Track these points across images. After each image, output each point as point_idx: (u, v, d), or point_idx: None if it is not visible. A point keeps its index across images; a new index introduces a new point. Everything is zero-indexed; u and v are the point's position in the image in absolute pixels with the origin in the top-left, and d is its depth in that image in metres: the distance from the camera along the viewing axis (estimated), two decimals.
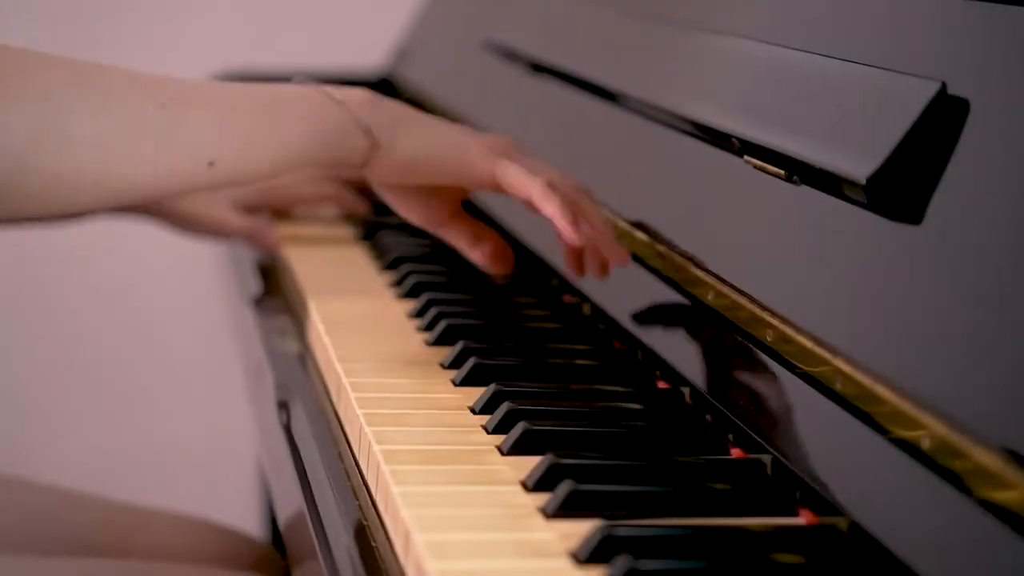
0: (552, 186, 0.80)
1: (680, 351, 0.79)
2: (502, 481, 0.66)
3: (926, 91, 0.63)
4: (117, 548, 1.01)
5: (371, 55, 1.67)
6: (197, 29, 1.99)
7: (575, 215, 0.79)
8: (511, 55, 1.24)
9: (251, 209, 1.14)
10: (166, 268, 1.96)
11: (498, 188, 0.83)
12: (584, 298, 0.93)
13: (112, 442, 2.07)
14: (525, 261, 1.04)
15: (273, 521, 1.70)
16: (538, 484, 0.65)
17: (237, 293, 1.11)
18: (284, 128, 0.79)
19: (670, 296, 0.82)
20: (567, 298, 0.97)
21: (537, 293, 0.99)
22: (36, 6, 1.97)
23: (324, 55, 1.76)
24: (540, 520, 0.62)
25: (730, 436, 0.72)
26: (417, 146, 0.83)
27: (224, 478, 2.02)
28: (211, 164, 0.77)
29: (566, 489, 0.62)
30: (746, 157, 0.76)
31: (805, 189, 0.71)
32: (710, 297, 0.78)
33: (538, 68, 1.16)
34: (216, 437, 2.05)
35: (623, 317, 0.85)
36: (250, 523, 1.60)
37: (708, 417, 0.75)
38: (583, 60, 1.05)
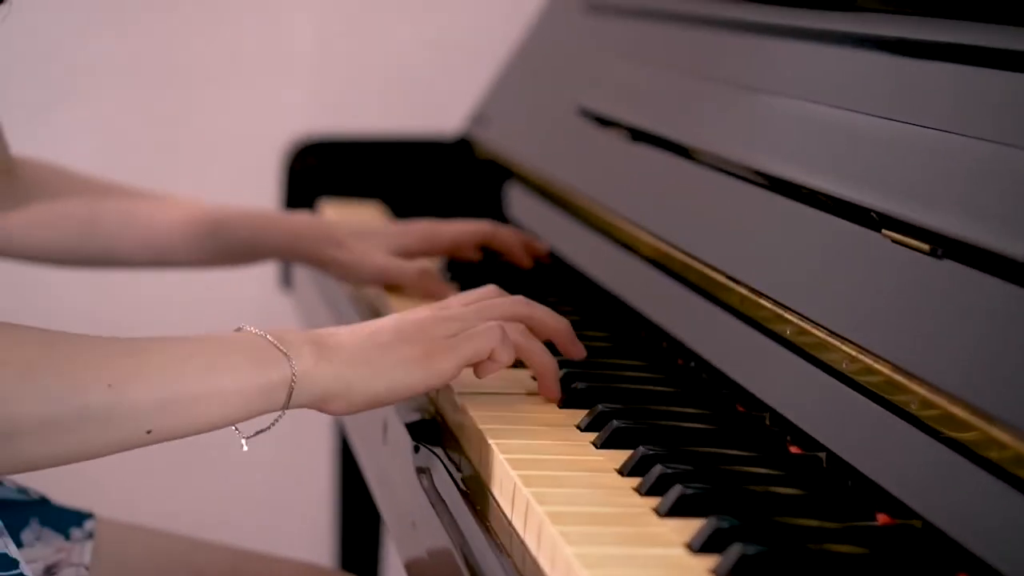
0: (506, 334, 0.85)
1: (814, 417, 0.82)
2: (668, 543, 0.68)
3: None
4: None
5: (449, 119, 1.71)
6: (281, 92, 2.03)
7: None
8: (603, 121, 1.27)
9: (410, 254, 1.19)
10: (243, 301, 1.99)
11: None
12: (702, 362, 0.96)
13: (189, 483, 2.10)
14: (631, 322, 1.07)
15: (343, 553, 1.75)
16: (704, 547, 0.68)
17: None
18: (225, 389, 0.78)
19: (799, 364, 0.85)
20: (680, 361, 1.00)
21: (650, 357, 1.01)
22: (123, 73, 2.01)
23: (404, 119, 1.80)
24: None
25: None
26: (374, 384, 0.82)
27: (294, 512, 2.06)
28: (149, 432, 0.77)
29: (737, 553, 0.65)
30: (884, 231, 0.79)
31: (948, 263, 0.74)
32: (844, 365, 0.80)
33: (637, 135, 1.19)
34: (287, 471, 2.08)
35: (751, 383, 0.88)
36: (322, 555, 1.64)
37: (849, 482, 0.77)
38: (696, 130, 1.08)
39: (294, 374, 0.80)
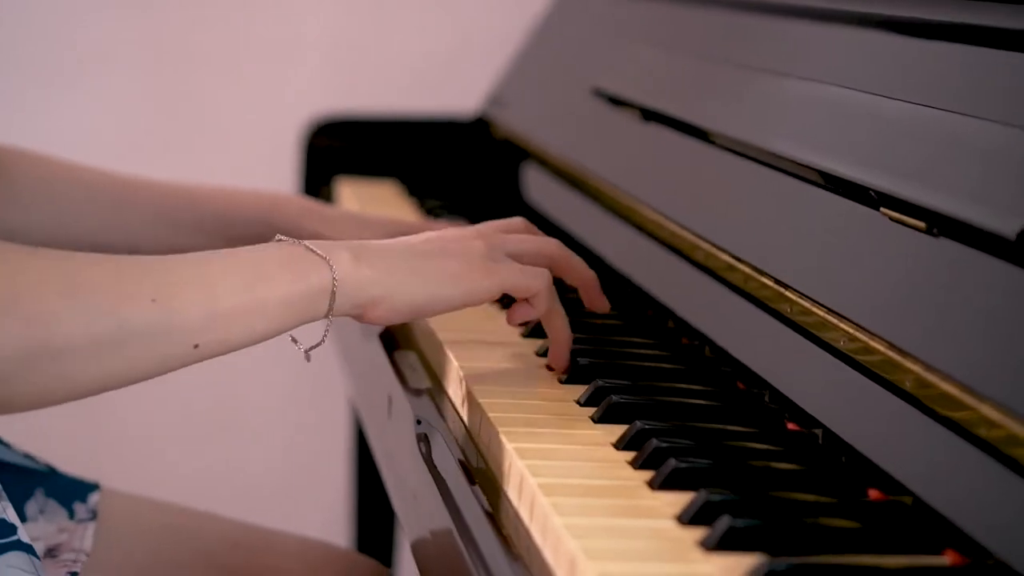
0: (544, 280, 0.86)
1: (812, 394, 0.82)
2: (658, 515, 0.69)
3: None
4: (245, 568, 1.04)
5: (470, 101, 1.71)
6: (298, 74, 2.04)
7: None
8: (617, 102, 1.27)
9: None
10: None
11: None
12: (705, 340, 0.96)
13: (204, 460, 2.12)
14: (639, 301, 1.08)
15: (359, 536, 1.76)
16: (694, 519, 0.68)
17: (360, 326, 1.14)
18: (267, 299, 0.79)
19: (799, 342, 0.85)
20: (684, 340, 1.00)
21: (655, 335, 1.02)
22: (138, 55, 2.02)
23: (423, 100, 1.80)
24: (699, 553, 0.65)
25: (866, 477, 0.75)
26: (415, 292, 0.83)
27: (310, 494, 2.07)
28: (196, 347, 0.77)
29: (725, 524, 0.65)
30: (883, 209, 0.79)
31: (945, 242, 0.74)
32: (842, 342, 0.81)
33: (648, 115, 1.19)
34: (304, 454, 2.10)
35: (753, 361, 0.88)
36: (338, 538, 1.65)
37: (843, 459, 0.78)
38: (703, 110, 1.08)
39: (335, 278, 0.80)
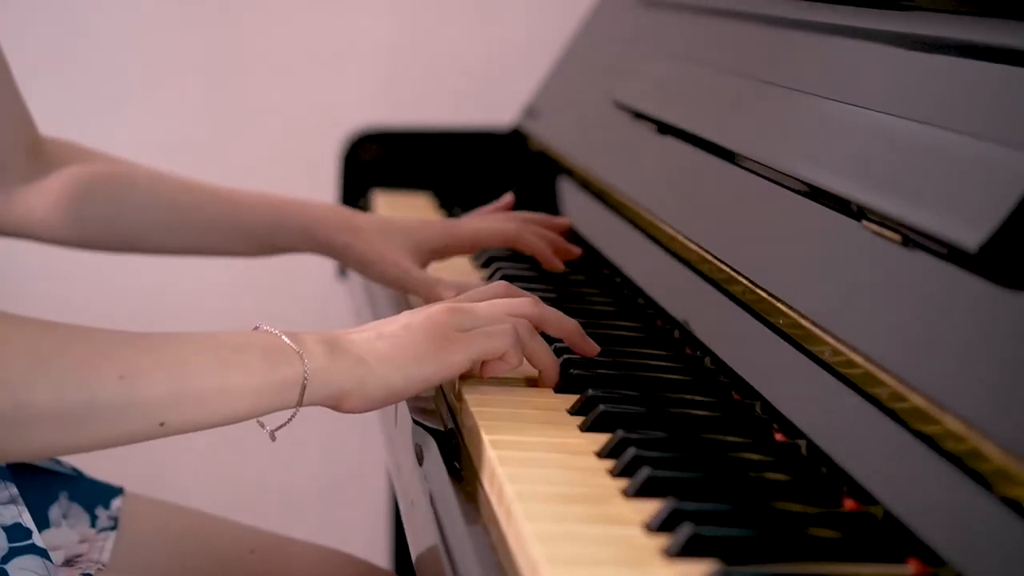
0: (518, 333, 0.87)
1: (797, 405, 0.83)
2: (627, 522, 0.70)
3: None
4: (260, 574, 1.07)
5: (504, 112, 1.73)
6: (347, 86, 2.07)
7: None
8: (636, 115, 1.29)
9: (436, 253, 1.17)
10: (303, 296, 2.03)
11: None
12: (707, 351, 0.97)
13: (249, 472, 2.15)
14: (652, 312, 1.09)
15: (399, 554, 1.77)
16: (662, 527, 0.69)
17: None
18: (237, 386, 0.79)
19: (788, 352, 0.86)
20: (688, 351, 1.01)
21: (663, 346, 1.03)
22: (193, 64, 2.06)
23: (470, 112, 1.83)
24: (660, 560, 0.66)
25: (844, 488, 0.76)
26: (390, 378, 0.83)
27: (355, 511, 2.09)
28: (162, 424, 0.78)
29: (687, 532, 0.67)
30: (864, 222, 0.80)
31: (920, 254, 0.75)
32: (827, 354, 0.82)
33: (663, 128, 1.21)
34: (349, 469, 2.12)
35: (745, 371, 0.89)
36: (380, 556, 1.66)
37: (823, 469, 0.78)
38: (705, 121, 1.09)
39: (306, 372, 0.81)
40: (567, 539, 0.68)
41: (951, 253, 0.71)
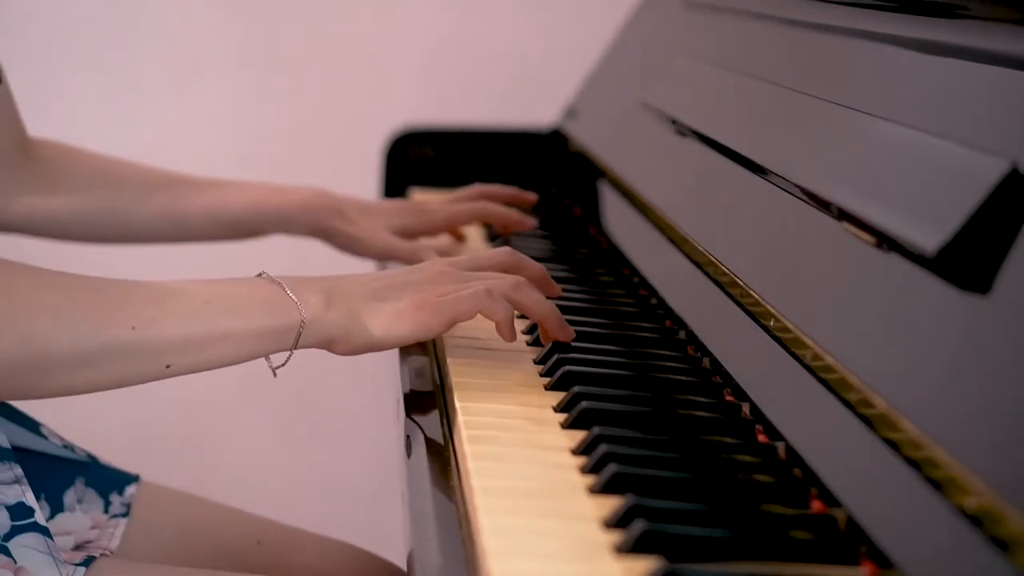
0: (490, 292, 0.93)
1: (777, 407, 0.83)
2: (588, 518, 0.71)
3: (997, 168, 0.66)
4: (268, 566, 1.09)
5: (552, 113, 1.74)
6: (393, 83, 2.09)
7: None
8: (661, 116, 1.29)
9: (408, 234, 1.26)
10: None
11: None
12: (706, 351, 0.97)
13: (283, 468, 2.18)
14: (663, 313, 1.09)
15: None
16: (619, 522, 0.70)
17: None
18: (239, 331, 0.87)
19: (777, 354, 0.86)
20: (690, 350, 1.01)
21: (670, 345, 1.03)
22: (238, 60, 2.09)
23: (515, 111, 1.84)
24: (610, 556, 0.67)
25: (814, 490, 0.75)
26: (371, 331, 0.91)
27: (387, 509, 2.10)
28: (168, 367, 0.86)
29: (639, 528, 0.67)
30: (845, 224, 0.80)
31: (894, 256, 0.75)
32: (808, 358, 0.81)
33: (683, 131, 1.21)
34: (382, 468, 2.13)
35: (738, 373, 0.89)
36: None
37: (798, 472, 0.78)
38: (716, 124, 1.09)
39: (303, 320, 0.89)
40: (522, 533, 0.68)
41: (916, 256, 0.71)
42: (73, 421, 1.36)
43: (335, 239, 1.24)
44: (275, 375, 0.93)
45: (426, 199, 1.58)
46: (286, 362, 0.92)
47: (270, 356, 0.91)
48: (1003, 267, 0.65)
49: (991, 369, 0.64)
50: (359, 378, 2.06)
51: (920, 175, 0.74)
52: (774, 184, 0.94)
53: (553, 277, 1.22)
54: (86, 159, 1.22)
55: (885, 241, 0.75)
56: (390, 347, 0.94)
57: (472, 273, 0.96)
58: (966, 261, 0.67)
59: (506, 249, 1.01)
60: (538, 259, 1.28)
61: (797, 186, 0.87)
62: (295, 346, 0.90)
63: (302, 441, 2.19)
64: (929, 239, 0.67)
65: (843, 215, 0.80)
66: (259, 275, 0.92)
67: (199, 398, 2.13)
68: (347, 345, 0.91)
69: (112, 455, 1.17)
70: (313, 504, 2.11)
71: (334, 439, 2.18)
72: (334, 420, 2.18)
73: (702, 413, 0.88)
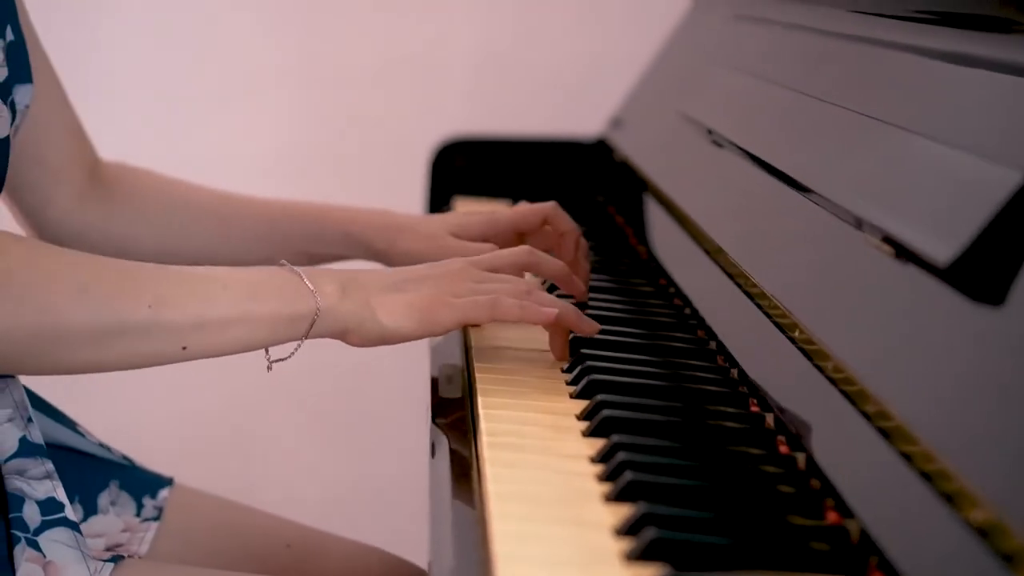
0: (499, 303, 0.93)
1: (802, 419, 0.83)
2: (600, 526, 0.71)
3: (1011, 180, 0.66)
4: (296, 569, 1.09)
5: (594, 123, 1.74)
6: (441, 94, 2.10)
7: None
8: (699, 127, 1.29)
9: (472, 240, 1.17)
10: None
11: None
12: (734, 362, 0.97)
13: (319, 473, 2.19)
14: (695, 323, 1.09)
15: None
16: (630, 531, 0.70)
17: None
18: (255, 316, 0.89)
19: (802, 366, 0.86)
20: (720, 360, 1.01)
21: (700, 356, 1.03)
22: (276, 77, 2.11)
23: (563, 122, 1.84)
24: (618, 563, 0.67)
25: (830, 501, 0.75)
26: (383, 324, 0.92)
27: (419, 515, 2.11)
28: (184, 348, 0.88)
29: (649, 536, 0.67)
30: (864, 234, 0.80)
31: (910, 267, 0.74)
32: (829, 369, 0.81)
33: (717, 141, 1.21)
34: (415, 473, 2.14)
35: (765, 383, 0.89)
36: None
37: (816, 483, 0.78)
38: (748, 135, 1.09)
39: (318, 309, 0.91)
40: (531, 538, 0.69)
41: (932, 268, 0.71)
42: (112, 421, 1.37)
43: (393, 259, 1.15)
44: (270, 369, 0.94)
45: (469, 209, 1.59)
46: (292, 355, 0.93)
47: (269, 350, 0.92)
48: (1017, 278, 0.65)
49: (1004, 381, 0.63)
50: (392, 382, 2.07)
51: (936, 185, 0.74)
52: (800, 194, 0.94)
53: (594, 287, 1.22)
54: (153, 185, 1.20)
55: (902, 252, 0.75)
56: (399, 340, 0.94)
57: (489, 274, 0.96)
58: (979, 272, 0.66)
59: (525, 248, 1.01)
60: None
61: (819, 195, 0.87)
62: (307, 335, 0.91)
63: (337, 446, 2.21)
64: (942, 250, 0.67)
65: (861, 225, 0.80)
66: (280, 264, 0.93)
67: (232, 403, 2.15)
68: (360, 336, 0.92)
69: (146, 457, 1.19)
70: (346, 509, 2.12)
71: (368, 444, 2.20)
72: (369, 424, 2.19)
73: (726, 423, 0.88)
